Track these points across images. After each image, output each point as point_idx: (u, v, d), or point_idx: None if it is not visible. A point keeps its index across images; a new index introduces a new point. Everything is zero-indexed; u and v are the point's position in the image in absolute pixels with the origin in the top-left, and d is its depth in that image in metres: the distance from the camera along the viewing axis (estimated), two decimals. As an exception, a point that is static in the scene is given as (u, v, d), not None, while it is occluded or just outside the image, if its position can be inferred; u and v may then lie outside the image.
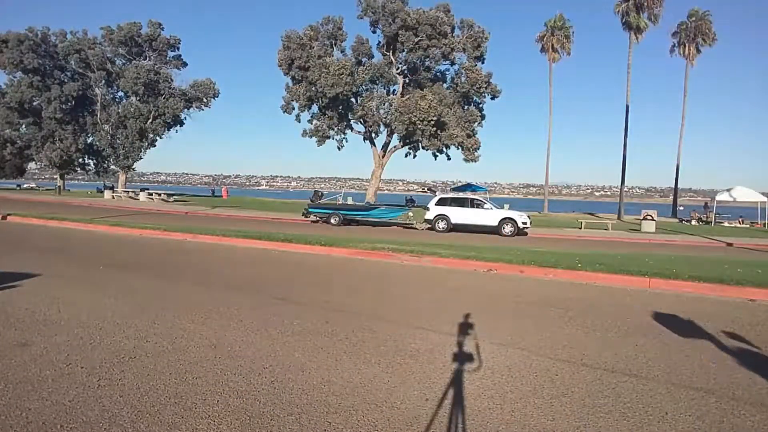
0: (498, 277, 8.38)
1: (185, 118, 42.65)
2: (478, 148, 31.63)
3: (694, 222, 31.20)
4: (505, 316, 5.58)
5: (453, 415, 2.97)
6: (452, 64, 32.56)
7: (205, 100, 42.03)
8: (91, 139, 43.59)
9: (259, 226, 16.48)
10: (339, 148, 34.88)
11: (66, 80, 40.69)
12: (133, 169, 45.83)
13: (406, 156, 35.57)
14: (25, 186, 59.42)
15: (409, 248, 10.57)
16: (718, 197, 32.43)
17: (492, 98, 32.72)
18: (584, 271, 8.27)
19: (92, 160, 46.23)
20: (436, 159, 34.17)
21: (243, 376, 3.43)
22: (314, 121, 33.99)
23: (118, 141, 39.85)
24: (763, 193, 31.77)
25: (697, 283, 7.38)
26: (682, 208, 36.36)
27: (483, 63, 32.61)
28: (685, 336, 4.90)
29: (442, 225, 18.52)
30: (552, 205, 47.95)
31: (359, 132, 34.44)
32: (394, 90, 33.15)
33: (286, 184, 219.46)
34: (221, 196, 50.43)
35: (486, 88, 31.57)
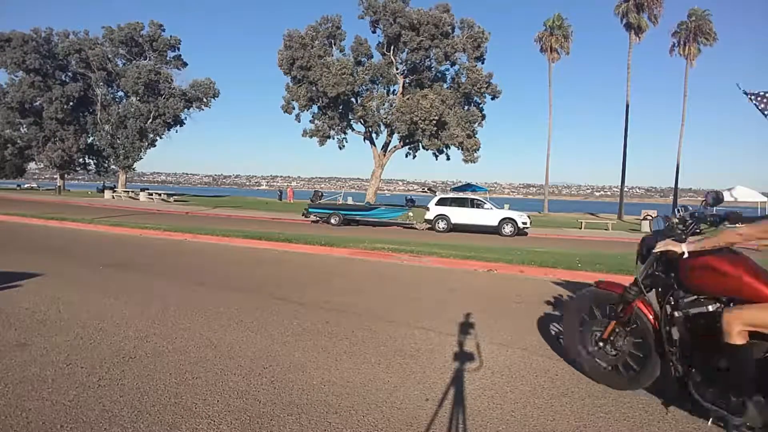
0: (498, 277, 8.38)
1: (185, 118, 42.77)
2: (478, 149, 31.66)
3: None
4: (505, 316, 5.58)
5: (453, 415, 2.97)
6: (452, 64, 32.60)
7: (205, 100, 42.11)
8: (91, 139, 43.62)
9: (259, 226, 16.48)
10: (340, 148, 34.95)
11: (67, 80, 40.72)
12: (133, 169, 45.87)
13: (406, 156, 35.66)
14: (26, 186, 59.47)
15: (409, 248, 10.57)
16: (719, 197, 32.33)
17: (492, 98, 32.76)
18: (584, 271, 8.27)
19: (93, 160, 46.32)
20: (437, 159, 34.22)
21: (243, 376, 3.43)
22: (315, 121, 34.03)
23: (118, 141, 39.88)
24: (763, 193, 31.75)
25: (697, 283, 7.36)
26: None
27: (483, 63, 32.66)
28: (685, 336, 4.89)
29: (442, 225, 18.53)
30: (552, 205, 47.96)
31: (359, 132, 34.45)
32: (394, 90, 33.16)
33: (286, 184, 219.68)
34: (287, 200, 45.82)
35: (486, 88, 31.61)
